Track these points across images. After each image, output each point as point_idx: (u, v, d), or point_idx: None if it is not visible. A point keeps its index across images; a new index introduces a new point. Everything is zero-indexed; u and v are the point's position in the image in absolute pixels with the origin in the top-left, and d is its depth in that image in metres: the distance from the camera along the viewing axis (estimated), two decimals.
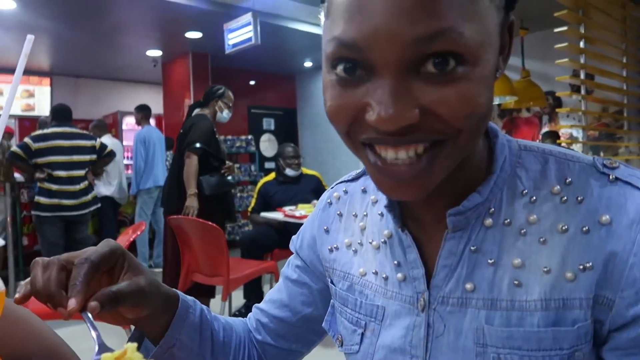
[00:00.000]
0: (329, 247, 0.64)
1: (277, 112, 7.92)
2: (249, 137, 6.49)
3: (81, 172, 3.77)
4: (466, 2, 0.39)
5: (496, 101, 4.48)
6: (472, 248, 0.50)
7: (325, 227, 0.65)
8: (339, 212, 0.65)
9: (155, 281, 0.54)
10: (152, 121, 5.54)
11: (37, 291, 0.46)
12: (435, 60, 0.39)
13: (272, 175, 3.95)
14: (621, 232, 0.44)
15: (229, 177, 3.31)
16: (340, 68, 0.42)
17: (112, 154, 4.04)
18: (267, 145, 7.69)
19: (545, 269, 0.46)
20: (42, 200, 3.64)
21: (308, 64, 7.23)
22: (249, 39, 4.38)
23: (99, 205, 4.10)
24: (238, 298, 3.58)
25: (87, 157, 3.80)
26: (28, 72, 6.68)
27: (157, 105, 6.55)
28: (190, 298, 0.62)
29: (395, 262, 0.55)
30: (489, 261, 0.49)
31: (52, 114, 3.85)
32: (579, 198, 0.47)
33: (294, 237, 0.72)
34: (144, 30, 5.46)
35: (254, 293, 3.43)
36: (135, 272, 0.52)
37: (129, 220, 5.53)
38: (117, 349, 0.42)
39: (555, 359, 0.45)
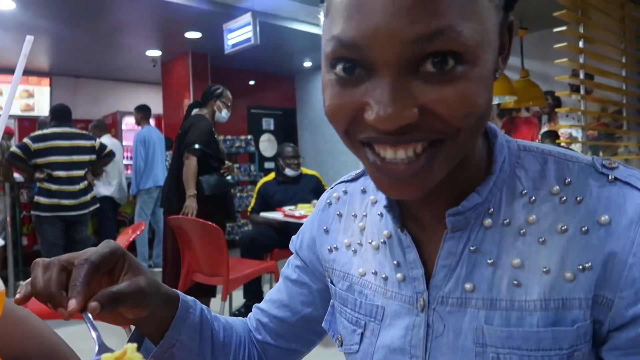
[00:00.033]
0: (329, 247, 0.64)
1: (277, 112, 7.92)
2: (249, 137, 6.49)
3: (81, 172, 3.77)
4: (465, 1, 0.39)
5: (495, 101, 4.48)
6: (471, 248, 0.50)
7: (324, 228, 0.66)
8: (338, 213, 0.65)
9: (155, 281, 0.54)
10: (152, 121, 5.54)
11: (37, 292, 0.46)
12: (434, 59, 0.39)
13: (272, 175, 3.95)
14: (620, 232, 0.44)
15: (229, 177, 3.31)
16: (339, 67, 0.42)
17: (111, 154, 4.04)
18: (267, 145, 7.69)
19: (544, 269, 0.46)
20: (42, 200, 3.64)
21: (307, 64, 7.23)
22: (249, 39, 4.38)
23: (98, 205, 4.10)
24: (238, 298, 3.58)
25: (86, 157, 3.80)
26: (27, 72, 6.68)
27: (156, 106, 6.55)
28: (190, 298, 0.62)
29: (395, 262, 0.55)
30: (488, 261, 0.49)
31: (52, 114, 3.85)
32: (578, 198, 0.47)
33: (293, 237, 0.72)
34: (144, 30, 5.46)
35: (253, 293, 3.44)
36: (136, 273, 0.52)
37: (129, 220, 5.53)
38: (117, 349, 0.42)
39: (555, 359, 0.45)
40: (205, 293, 3.02)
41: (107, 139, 4.78)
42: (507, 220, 0.49)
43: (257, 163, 6.78)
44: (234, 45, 4.59)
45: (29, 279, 0.48)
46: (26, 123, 6.75)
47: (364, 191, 0.63)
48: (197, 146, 2.98)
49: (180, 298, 0.59)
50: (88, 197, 3.82)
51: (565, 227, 0.46)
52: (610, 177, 0.47)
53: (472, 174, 0.51)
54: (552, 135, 4.50)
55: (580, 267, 0.45)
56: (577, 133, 4.94)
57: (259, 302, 0.74)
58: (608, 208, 0.45)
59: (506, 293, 0.48)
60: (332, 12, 0.42)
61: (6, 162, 3.79)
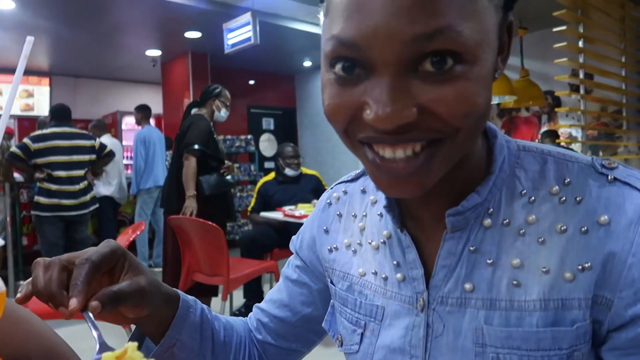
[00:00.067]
0: (329, 248, 0.64)
1: (277, 111, 7.92)
2: (249, 136, 6.49)
3: (81, 172, 3.77)
4: (465, 1, 0.39)
5: (495, 100, 4.48)
6: (471, 248, 0.50)
7: (324, 228, 0.66)
8: (338, 213, 0.65)
9: (155, 281, 0.55)
10: (152, 121, 5.54)
11: (38, 291, 0.47)
12: (433, 59, 0.39)
13: (272, 175, 3.95)
14: (620, 233, 0.44)
15: (229, 177, 3.31)
16: (338, 67, 0.42)
17: (111, 154, 4.04)
18: (267, 145, 7.69)
19: (544, 269, 0.46)
20: (42, 200, 3.64)
21: (307, 63, 7.23)
22: (248, 39, 4.38)
23: (98, 205, 4.10)
24: (238, 298, 3.58)
25: (86, 157, 3.80)
26: (27, 72, 6.66)
27: (156, 105, 6.54)
28: (191, 298, 0.62)
29: (395, 262, 0.55)
30: (488, 261, 0.49)
31: (52, 114, 3.85)
32: (577, 198, 0.47)
33: (293, 237, 0.73)
34: (144, 30, 5.45)
35: (253, 293, 3.44)
36: (136, 272, 0.53)
37: (129, 220, 5.53)
38: (117, 348, 0.42)
39: (554, 359, 0.45)
40: (205, 293, 3.02)
41: (107, 139, 4.78)
42: (507, 221, 0.49)
43: (257, 163, 6.78)
44: (233, 45, 4.59)
45: (30, 279, 0.48)
46: (26, 123, 6.75)
47: (363, 191, 0.63)
48: (196, 147, 2.98)
49: (180, 297, 0.59)
50: (88, 197, 3.82)
51: (565, 227, 0.46)
52: (609, 177, 0.47)
53: (471, 174, 0.51)
54: (552, 135, 4.50)
55: (580, 267, 0.45)
56: (577, 133, 4.94)
57: (259, 302, 0.74)
58: (607, 208, 0.45)
59: (506, 293, 0.48)
60: (332, 11, 0.42)
61: (6, 162, 3.79)
